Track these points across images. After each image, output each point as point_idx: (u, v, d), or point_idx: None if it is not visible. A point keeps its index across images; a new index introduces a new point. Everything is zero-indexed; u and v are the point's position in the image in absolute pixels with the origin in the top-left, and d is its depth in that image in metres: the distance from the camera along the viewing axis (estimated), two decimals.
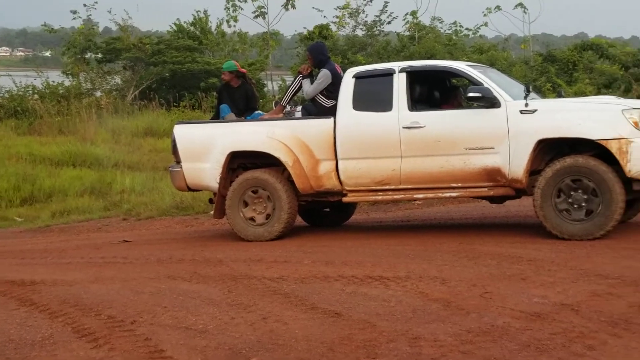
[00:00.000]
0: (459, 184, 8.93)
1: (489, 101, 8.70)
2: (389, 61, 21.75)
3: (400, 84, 9.23)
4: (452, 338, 5.05)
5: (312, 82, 10.11)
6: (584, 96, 17.59)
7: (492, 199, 9.51)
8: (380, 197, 9.48)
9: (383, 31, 26.52)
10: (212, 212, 10.48)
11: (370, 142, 9.23)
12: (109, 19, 29.08)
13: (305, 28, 26.19)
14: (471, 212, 11.45)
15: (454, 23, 28.89)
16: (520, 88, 9.24)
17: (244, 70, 11.38)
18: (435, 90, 10.08)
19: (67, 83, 26.68)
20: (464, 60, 23.08)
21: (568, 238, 8.18)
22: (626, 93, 16.93)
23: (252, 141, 9.75)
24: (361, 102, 9.37)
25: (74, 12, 28.76)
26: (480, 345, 4.88)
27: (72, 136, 20.94)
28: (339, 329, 5.41)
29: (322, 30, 25.28)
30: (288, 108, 10.44)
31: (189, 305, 6.38)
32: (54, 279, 7.99)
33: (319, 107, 9.95)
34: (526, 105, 8.56)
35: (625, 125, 8.09)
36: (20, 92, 25.26)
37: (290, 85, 10.60)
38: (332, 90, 9.84)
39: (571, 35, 58.52)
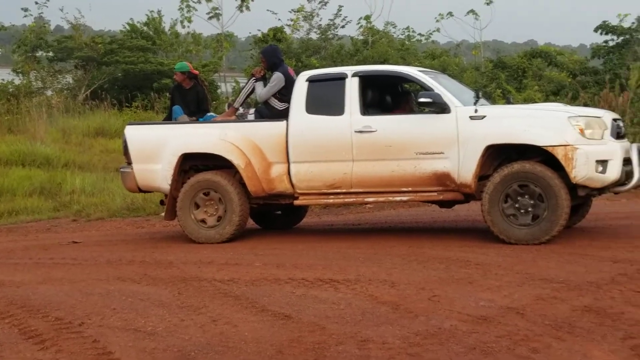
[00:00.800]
0: (410, 188, 9.01)
1: (440, 106, 8.78)
2: (342, 65, 21.85)
3: (352, 88, 9.29)
4: (400, 341, 5.11)
5: (265, 85, 10.13)
6: (533, 103, 17.88)
7: (442, 204, 9.61)
8: (331, 201, 9.53)
9: (337, 35, 26.68)
10: (163, 214, 10.43)
11: (322, 146, 9.27)
12: (61, 17, 29.11)
13: (259, 30, 26.24)
14: (421, 216, 11.56)
15: (407, 28, 29.29)
16: (470, 94, 9.36)
17: (196, 71, 11.33)
18: (388, 95, 10.16)
19: (17, 81, 26.33)
20: (417, 66, 23.32)
21: (515, 242, 8.32)
22: (573, 100, 17.22)
23: (204, 143, 9.74)
24: (314, 106, 9.41)
25: (25, 10, 28.52)
26: (428, 348, 4.94)
27: (21, 135, 20.63)
28: (289, 332, 5.44)
29: (276, 33, 25.30)
30: (241, 110, 10.42)
31: (139, 307, 6.36)
32: (0, 279, 7.89)
33: (272, 110, 9.97)
34: (476, 111, 8.67)
35: (572, 132, 8.24)
36: None
37: (244, 88, 10.60)
38: (284, 94, 9.86)
39: (521, 42, 59.51)
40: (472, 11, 27.74)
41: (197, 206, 9.73)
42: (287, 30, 26.35)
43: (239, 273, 7.55)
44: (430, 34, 29.45)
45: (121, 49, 26.95)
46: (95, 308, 6.40)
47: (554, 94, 20.20)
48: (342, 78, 9.42)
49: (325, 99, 9.41)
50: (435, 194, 8.96)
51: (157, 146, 9.88)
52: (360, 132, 9.10)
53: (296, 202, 9.64)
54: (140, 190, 10.40)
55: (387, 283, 6.76)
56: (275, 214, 11.16)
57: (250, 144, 9.56)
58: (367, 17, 26.60)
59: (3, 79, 26.13)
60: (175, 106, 10.87)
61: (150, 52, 27.81)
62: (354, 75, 9.38)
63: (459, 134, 8.68)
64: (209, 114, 10.87)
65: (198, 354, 5.05)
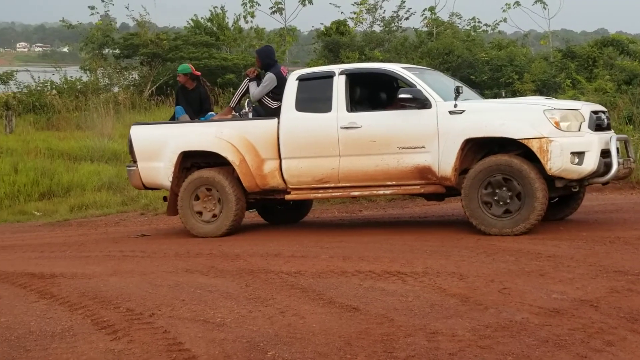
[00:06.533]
0: (393, 182, 9.26)
1: (420, 102, 9.01)
2: (406, 57, 21.72)
3: (339, 85, 9.52)
4: (470, 333, 5.04)
5: (258, 85, 10.42)
6: (604, 93, 17.55)
7: (427, 197, 9.85)
8: (320, 195, 9.83)
9: (401, 27, 26.51)
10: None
11: (310, 142, 9.55)
12: (127, 15, 29.36)
13: (322, 24, 26.23)
14: None
15: (473, 19, 28.84)
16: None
17: (198, 72, 11.73)
18: (382, 92, 10.38)
19: (84, 78, 26.84)
20: (483, 57, 22.98)
21: (497, 233, 8.49)
22: None
23: (202, 141, 10.15)
24: (303, 104, 9.70)
25: (92, 8, 28.93)
26: (499, 341, 4.86)
27: (89, 131, 21.03)
28: (357, 323, 5.41)
29: (339, 26, 25.25)
30: (246, 109, 10.72)
31: (207, 299, 6.40)
32: (73, 272, 8.03)
33: (266, 109, 10.33)
34: (455, 105, 8.84)
35: (546, 125, 8.38)
36: (38, 88, 25.46)
37: (238, 88, 10.97)
38: (277, 93, 10.17)
39: (591, 31, 58.29)
40: (540, 0, 27.24)
41: (198, 198, 10.08)
42: (350, 23, 26.30)
43: (306, 265, 7.56)
44: (497, 24, 29.03)
45: (185, 45, 27.21)
46: (164, 299, 6.47)
47: (626, 83, 19.68)
48: (330, 76, 9.68)
49: (314, 96, 9.72)
50: (418, 187, 9.23)
51: (159, 145, 10.30)
52: (346, 128, 9.35)
53: (287, 197, 9.90)
54: (145, 187, 10.77)
55: (455, 275, 6.68)
56: (279, 209, 11.32)
57: (244, 142, 9.87)
58: (432, 9, 26.38)
59: (71, 76, 26.64)
60: (178, 106, 11.34)
61: (214, 48, 28.01)
62: (341, 73, 9.64)
63: (439, 128, 8.91)
64: (210, 113, 11.25)
65: (267, 345, 5.06)
